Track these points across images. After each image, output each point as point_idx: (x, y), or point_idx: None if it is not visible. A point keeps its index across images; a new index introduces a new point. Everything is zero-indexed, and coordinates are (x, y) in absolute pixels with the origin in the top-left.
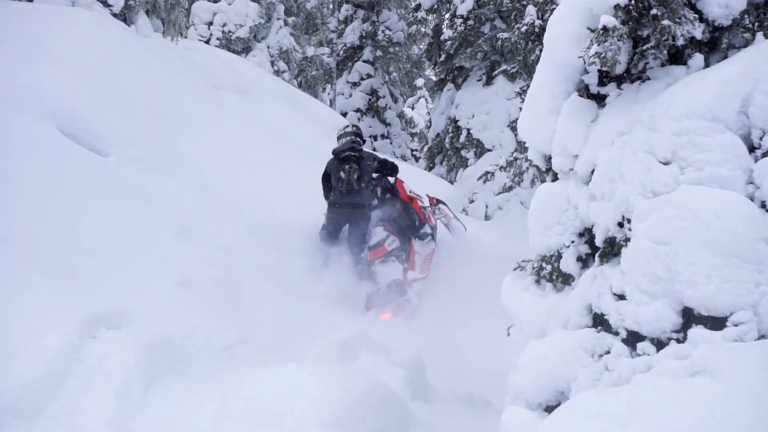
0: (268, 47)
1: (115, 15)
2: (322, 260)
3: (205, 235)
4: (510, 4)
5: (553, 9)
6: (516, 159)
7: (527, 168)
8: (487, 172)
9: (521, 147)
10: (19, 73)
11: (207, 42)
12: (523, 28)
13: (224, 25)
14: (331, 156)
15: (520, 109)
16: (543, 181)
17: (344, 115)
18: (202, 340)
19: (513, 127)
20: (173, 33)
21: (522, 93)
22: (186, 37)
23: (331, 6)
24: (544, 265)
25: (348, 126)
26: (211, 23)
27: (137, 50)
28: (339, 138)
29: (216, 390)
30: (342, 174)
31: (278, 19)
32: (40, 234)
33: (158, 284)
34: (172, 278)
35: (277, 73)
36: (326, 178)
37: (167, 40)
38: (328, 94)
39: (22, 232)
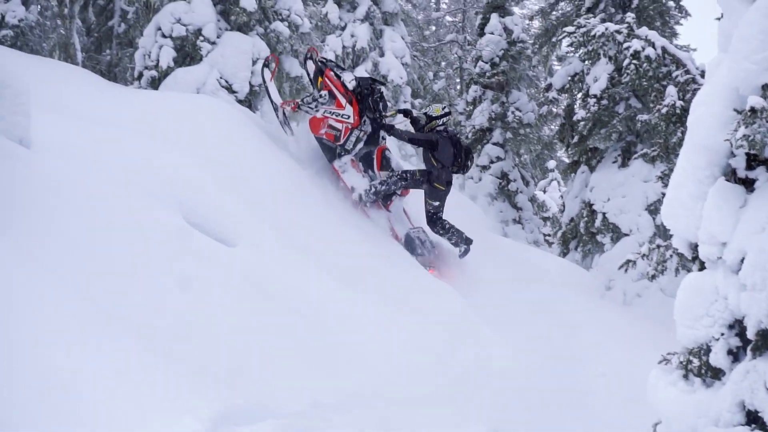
0: None
1: (240, 101)
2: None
3: (328, 316)
4: (647, 84)
5: (695, 89)
6: (658, 246)
7: (671, 256)
8: (628, 261)
9: (660, 231)
10: (146, 160)
11: None
12: (664, 110)
13: None
14: (443, 132)
15: (663, 194)
16: (688, 270)
17: (473, 199)
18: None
19: (651, 210)
20: (299, 118)
21: (663, 177)
22: None
23: (458, 87)
24: (691, 358)
25: (446, 107)
26: None
27: (261, 137)
28: (438, 117)
29: None
30: (470, 163)
31: (405, 102)
32: (172, 326)
33: (291, 375)
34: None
35: (405, 157)
36: (429, 146)
37: (293, 125)
38: (457, 178)
39: (154, 324)
